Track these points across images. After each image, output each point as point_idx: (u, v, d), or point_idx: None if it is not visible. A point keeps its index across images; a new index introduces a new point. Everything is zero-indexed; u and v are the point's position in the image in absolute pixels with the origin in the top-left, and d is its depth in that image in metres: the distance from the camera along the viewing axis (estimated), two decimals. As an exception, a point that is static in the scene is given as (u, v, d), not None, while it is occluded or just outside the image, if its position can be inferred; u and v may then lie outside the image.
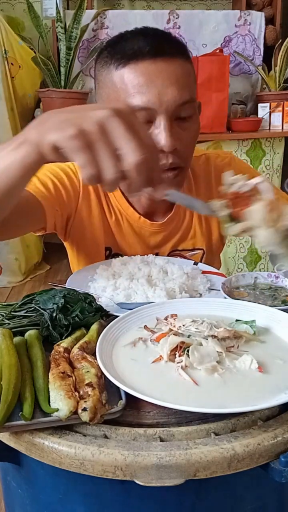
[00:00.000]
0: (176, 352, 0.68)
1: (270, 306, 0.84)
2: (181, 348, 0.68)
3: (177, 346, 0.69)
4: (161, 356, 0.69)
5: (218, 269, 1.11)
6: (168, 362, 0.68)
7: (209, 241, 1.21)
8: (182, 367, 0.66)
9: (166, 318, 0.77)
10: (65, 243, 1.21)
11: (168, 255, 1.16)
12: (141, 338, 0.75)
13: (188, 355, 0.67)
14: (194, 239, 1.19)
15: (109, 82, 0.98)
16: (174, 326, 0.73)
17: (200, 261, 1.17)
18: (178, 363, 0.67)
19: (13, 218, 0.82)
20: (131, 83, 0.94)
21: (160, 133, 0.95)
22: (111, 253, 1.15)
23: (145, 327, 0.76)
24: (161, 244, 1.17)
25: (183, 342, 0.69)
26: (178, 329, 0.72)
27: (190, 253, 1.19)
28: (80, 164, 0.61)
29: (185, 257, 1.17)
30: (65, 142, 0.61)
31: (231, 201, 0.73)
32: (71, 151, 0.61)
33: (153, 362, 0.69)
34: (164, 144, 0.94)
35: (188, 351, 0.67)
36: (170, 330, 0.73)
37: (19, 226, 0.99)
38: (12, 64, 3.16)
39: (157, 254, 1.15)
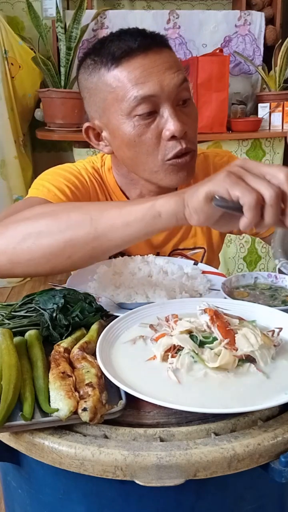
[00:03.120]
0: (169, 353, 0.68)
1: (270, 306, 0.84)
2: (175, 349, 0.68)
3: (171, 347, 0.69)
4: (155, 355, 0.69)
5: (217, 268, 1.11)
6: (162, 362, 0.68)
7: (209, 240, 1.21)
8: (172, 369, 0.65)
9: (167, 319, 0.77)
10: None
11: (169, 255, 1.16)
12: (142, 336, 0.75)
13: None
14: (195, 237, 1.19)
15: (102, 85, 0.98)
16: (173, 330, 0.72)
17: (201, 260, 1.17)
18: (170, 363, 0.67)
19: None
20: (128, 78, 0.94)
21: (168, 120, 0.95)
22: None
23: (151, 326, 0.76)
24: (163, 243, 1.17)
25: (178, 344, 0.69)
26: (173, 335, 0.71)
27: (192, 252, 1.18)
28: (240, 193, 0.65)
29: (186, 256, 1.17)
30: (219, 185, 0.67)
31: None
32: (230, 187, 0.66)
33: (147, 360, 0.69)
34: (175, 129, 0.95)
35: (181, 354, 0.67)
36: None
37: None
38: (12, 64, 3.16)
39: (158, 254, 1.15)
